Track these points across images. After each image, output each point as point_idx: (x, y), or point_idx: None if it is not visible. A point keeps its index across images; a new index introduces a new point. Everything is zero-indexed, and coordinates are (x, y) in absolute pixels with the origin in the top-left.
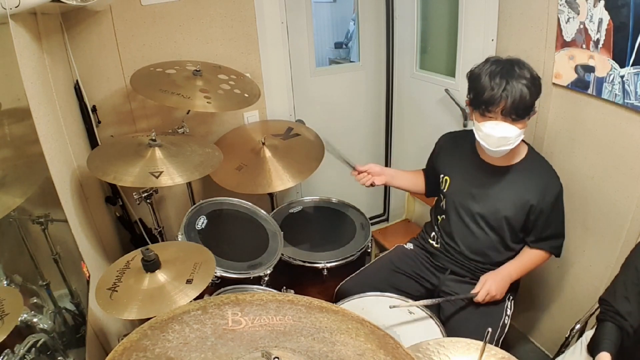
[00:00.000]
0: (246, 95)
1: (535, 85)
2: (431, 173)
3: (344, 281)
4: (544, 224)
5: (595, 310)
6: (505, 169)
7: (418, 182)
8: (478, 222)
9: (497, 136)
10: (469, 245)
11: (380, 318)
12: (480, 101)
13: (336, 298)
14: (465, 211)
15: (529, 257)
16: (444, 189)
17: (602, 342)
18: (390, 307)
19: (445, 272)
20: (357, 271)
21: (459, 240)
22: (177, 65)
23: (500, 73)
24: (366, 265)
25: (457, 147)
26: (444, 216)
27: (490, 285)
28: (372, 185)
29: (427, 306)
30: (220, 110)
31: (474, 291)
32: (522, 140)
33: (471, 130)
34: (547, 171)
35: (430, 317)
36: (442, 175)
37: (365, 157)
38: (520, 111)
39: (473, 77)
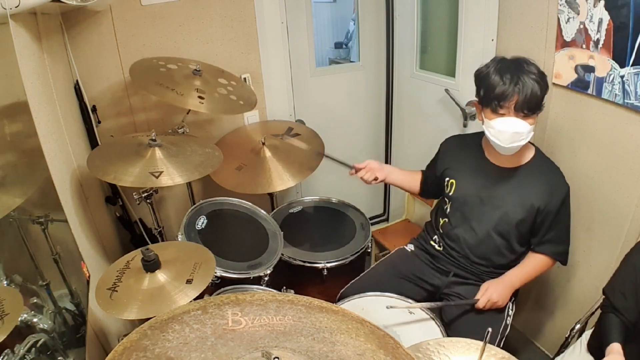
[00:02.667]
0: (241, 102)
1: (543, 80)
2: (431, 175)
3: (345, 287)
4: (549, 227)
5: (595, 310)
6: (513, 170)
7: (413, 182)
8: (485, 226)
9: (511, 132)
10: (473, 249)
11: (380, 318)
12: (493, 97)
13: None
14: (472, 215)
15: (532, 264)
16: (450, 192)
17: (609, 334)
18: (387, 308)
19: (448, 275)
20: (359, 276)
21: (463, 244)
22: (180, 62)
23: (509, 69)
24: (367, 270)
25: (463, 149)
26: (447, 219)
27: (492, 292)
28: (375, 179)
29: (428, 308)
30: (211, 112)
31: (476, 297)
32: (529, 142)
33: (477, 133)
34: (555, 173)
35: (431, 317)
36: (447, 179)
37: (365, 156)
38: (532, 106)
39: (482, 76)
